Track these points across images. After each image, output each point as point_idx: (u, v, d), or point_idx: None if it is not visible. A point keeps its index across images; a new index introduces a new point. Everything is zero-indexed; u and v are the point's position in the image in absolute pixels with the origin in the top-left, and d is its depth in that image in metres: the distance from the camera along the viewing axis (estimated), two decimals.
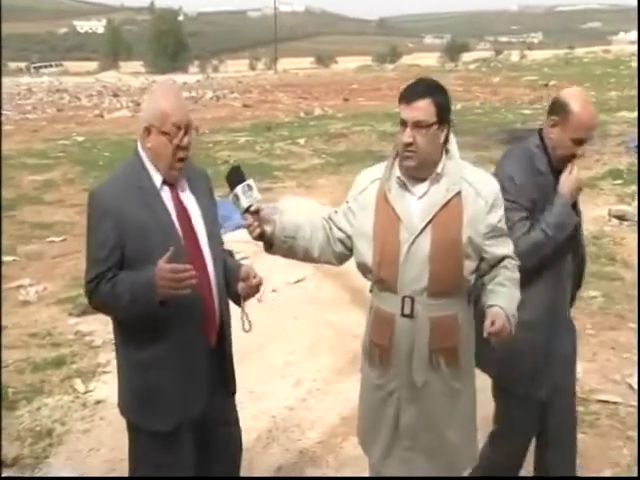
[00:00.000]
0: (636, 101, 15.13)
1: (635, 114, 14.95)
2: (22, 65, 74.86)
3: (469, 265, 2.09)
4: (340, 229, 2.24)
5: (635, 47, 57.27)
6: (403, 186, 2.11)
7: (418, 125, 2.03)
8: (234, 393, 2.34)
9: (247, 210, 2.11)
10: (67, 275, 6.20)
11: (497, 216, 2.12)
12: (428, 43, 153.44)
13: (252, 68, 65.96)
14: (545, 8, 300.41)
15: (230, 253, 2.38)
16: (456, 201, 2.06)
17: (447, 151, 2.12)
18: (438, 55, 59.57)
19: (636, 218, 7.01)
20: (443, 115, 2.05)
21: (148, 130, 2.05)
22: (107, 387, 3.90)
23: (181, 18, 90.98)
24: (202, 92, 28.19)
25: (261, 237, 2.18)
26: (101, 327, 4.70)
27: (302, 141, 13.72)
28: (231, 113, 20.23)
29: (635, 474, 3.07)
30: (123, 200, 2.04)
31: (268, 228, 2.17)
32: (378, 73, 38.14)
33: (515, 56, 54.68)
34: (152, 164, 2.09)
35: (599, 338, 4.44)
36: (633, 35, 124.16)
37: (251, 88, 29.72)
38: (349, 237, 2.22)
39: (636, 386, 3.79)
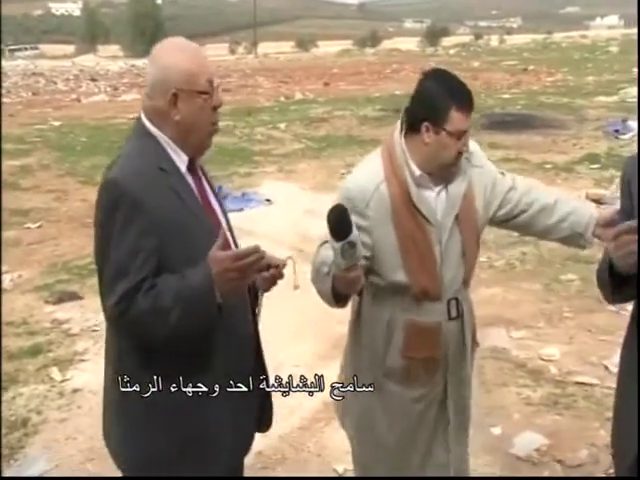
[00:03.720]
0: (637, 83, 15.24)
1: (613, 98, 15.08)
2: None
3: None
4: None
5: (612, 32, 57.71)
6: (420, 185, 1.95)
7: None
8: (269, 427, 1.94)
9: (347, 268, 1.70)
10: (44, 262, 6.11)
11: (504, 183, 2.09)
12: (408, 27, 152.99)
13: (232, 52, 65.30)
14: None
15: None
16: (469, 188, 2.00)
17: None
18: (418, 40, 59.42)
19: (614, 203, 7.07)
20: None
21: (175, 97, 1.60)
22: (85, 375, 3.86)
23: (159, 1, 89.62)
24: None
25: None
26: (78, 315, 4.65)
27: (283, 126, 13.64)
28: None
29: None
30: (153, 189, 1.57)
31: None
32: (359, 57, 38.01)
33: (494, 41, 54.77)
34: (177, 143, 1.65)
35: (576, 321, 4.49)
36: (610, 20, 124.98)
37: (231, 72, 29.44)
38: (368, 259, 1.94)
39: (613, 368, 3.84)
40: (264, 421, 1.91)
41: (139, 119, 1.68)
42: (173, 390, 1.62)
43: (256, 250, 1.55)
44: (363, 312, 2.08)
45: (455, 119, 1.87)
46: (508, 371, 3.86)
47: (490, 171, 2.09)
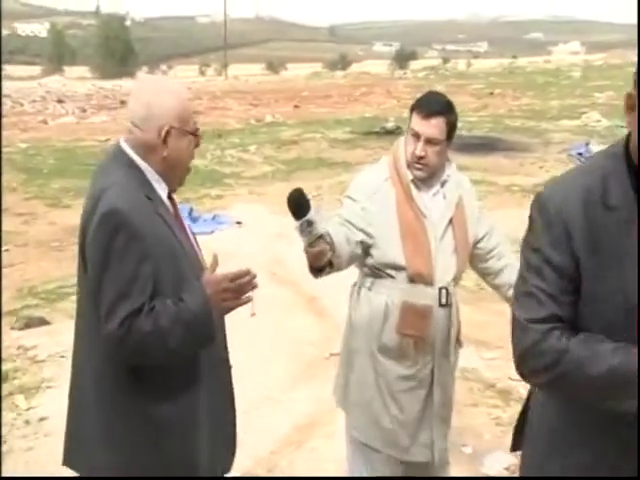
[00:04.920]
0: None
1: (576, 122, 15.51)
2: None
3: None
4: (361, 230, 2.24)
5: (574, 58, 59.40)
6: (417, 187, 2.29)
7: (430, 141, 2.22)
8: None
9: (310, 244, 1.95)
10: (11, 287, 6.00)
11: (485, 223, 2.44)
12: (377, 51, 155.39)
13: (202, 74, 65.47)
14: (490, 18, 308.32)
15: None
16: (461, 202, 2.35)
17: (448, 159, 2.38)
18: (388, 63, 60.36)
19: None
20: (452, 132, 2.28)
21: (167, 134, 1.69)
22: (52, 403, 3.78)
23: (128, 23, 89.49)
24: None
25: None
26: (45, 341, 4.56)
27: (253, 148, 13.68)
28: None
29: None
30: (146, 218, 1.64)
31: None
32: (329, 80, 38.40)
33: (462, 65, 55.94)
34: (160, 176, 1.73)
35: None
36: (572, 46, 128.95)
37: (201, 94, 29.44)
38: (370, 237, 2.25)
39: None
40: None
41: (119, 146, 1.74)
42: (159, 410, 1.66)
43: (248, 272, 1.65)
44: (362, 295, 2.35)
45: (413, 120, 2.24)
46: (478, 391, 3.91)
47: (477, 205, 2.45)
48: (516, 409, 3.68)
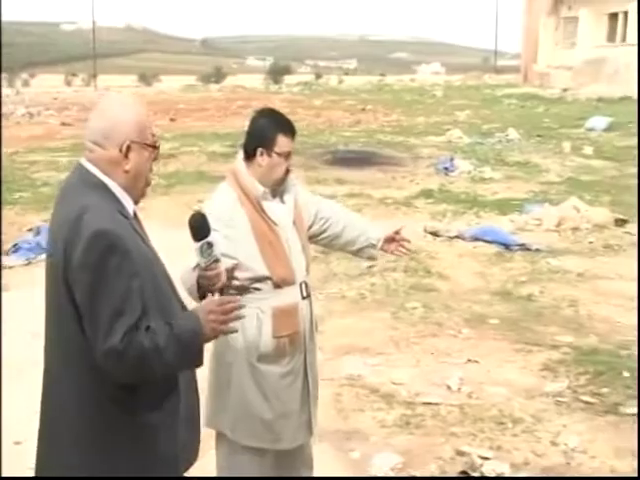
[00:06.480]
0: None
1: (441, 138, 16.52)
2: None
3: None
4: (227, 255, 2.25)
5: (436, 78, 62.93)
6: (267, 198, 2.52)
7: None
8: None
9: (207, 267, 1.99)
10: None
11: (313, 202, 2.74)
12: (251, 65, 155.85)
13: (68, 84, 62.38)
14: (358, 36, 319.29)
15: None
16: (297, 203, 2.62)
17: None
18: (263, 77, 60.68)
19: (448, 234, 7.76)
20: None
21: (128, 149, 1.75)
22: None
23: None
24: (13, 108, 26.12)
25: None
26: None
27: None
28: (49, 132, 18.99)
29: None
30: (128, 235, 1.71)
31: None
32: (204, 93, 37.99)
33: (334, 81, 57.41)
34: (125, 190, 1.79)
35: (421, 345, 4.87)
36: (433, 67, 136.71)
37: (69, 105, 28.10)
38: (234, 259, 2.31)
39: (454, 387, 4.23)
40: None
41: (82, 167, 1.79)
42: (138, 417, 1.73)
43: (235, 299, 1.79)
44: None
45: (281, 142, 2.48)
46: (364, 396, 4.11)
47: (305, 194, 2.73)
48: (399, 411, 3.93)
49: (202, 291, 2.11)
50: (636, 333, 4.87)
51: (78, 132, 18.65)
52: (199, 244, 1.93)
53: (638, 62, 24.12)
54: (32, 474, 1.89)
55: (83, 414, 1.72)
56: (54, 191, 10.37)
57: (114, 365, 1.65)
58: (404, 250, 2.78)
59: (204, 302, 1.82)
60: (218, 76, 64.01)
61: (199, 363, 1.78)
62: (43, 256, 6.80)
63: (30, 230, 7.77)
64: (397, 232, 2.76)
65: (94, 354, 1.65)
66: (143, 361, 1.64)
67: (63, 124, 21.13)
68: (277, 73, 62.55)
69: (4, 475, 3.11)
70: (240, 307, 1.78)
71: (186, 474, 1.95)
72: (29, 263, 6.76)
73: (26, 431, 3.19)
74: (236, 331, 1.87)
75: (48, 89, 39.85)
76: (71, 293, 1.68)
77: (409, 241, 2.82)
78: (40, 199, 9.46)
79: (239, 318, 1.79)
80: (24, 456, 3.17)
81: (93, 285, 1.64)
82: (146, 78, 65.02)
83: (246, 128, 2.61)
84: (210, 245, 1.93)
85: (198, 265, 2.01)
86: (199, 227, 1.93)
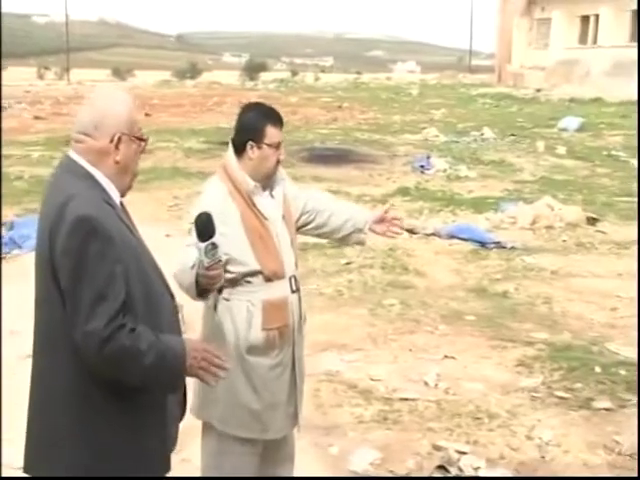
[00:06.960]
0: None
1: (417, 136, 16.62)
2: None
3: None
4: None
5: (411, 76, 63.25)
6: (258, 192, 2.53)
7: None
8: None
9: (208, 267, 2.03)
10: None
11: (301, 196, 2.73)
12: (227, 61, 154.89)
13: (40, 77, 61.29)
14: (334, 34, 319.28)
15: None
16: (286, 197, 2.63)
17: None
18: (238, 73, 60.33)
19: (425, 231, 7.82)
20: None
21: (119, 140, 1.79)
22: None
23: None
24: None
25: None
26: None
27: None
28: (21, 125, 18.65)
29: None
30: (113, 222, 1.73)
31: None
32: (179, 89, 37.68)
33: (310, 78, 57.39)
34: (112, 182, 1.81)
35: (398, 342, 4.91)
36: (409, 65, 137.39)
37: (42, 99, 27.67)
38: (227, 254, 2.33)
39: (431, 382, 4.27)
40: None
41: (70, 158, 1.81)
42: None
43: (225, 360, 1.81)
44: (219, 309, 2.51)
45: (270, 133, 2.49)
46: (342, 392, 4.13)
47: (293, 188, 2.74)
48: (377, 407, 3.95)
49: (200, 289, 2.19)
50: (633, 332, 4.91)
51: (51, 126, 18.40)
52: (204, 244, 1.96)
53: (638, 62, 24.28)
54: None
55: (71, 405, 1.72)
56: (27, 185, 10.23)
57: (94, 350, 1.63)
58: (396, 229, 2.75)
59: (196, 340, 1.86)
60: (193, 72, 63.48)
61: (178, 387, 1.80)
62: (16, 251, 6.72)
63: (3, 225, 7.62)
64: (386, 211, 2.77)
65: (74, 336, 1.65)
66: (122, 358, 1.64)
67: (36, 118, 20.80)
68: (253, 70, 62.33)
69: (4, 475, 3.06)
70: (224, 369, 1.79)
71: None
72: (2, 259, 6.64)
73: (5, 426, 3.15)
74: (212, 385, 1.84)
75: (20, 82, 39.08)
76: (57, 280, 1.69)
77: (401, 219, 2.84)
78: (13, 193, 9.30)
79: (217, 377, 1.79)
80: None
81: (76, 270, 1.65)
82: (120, 73, 64.28)
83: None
84: (215, 246, 1.97)
85: (197, 264, 2.04)
86: (204, 227, 1.97)
